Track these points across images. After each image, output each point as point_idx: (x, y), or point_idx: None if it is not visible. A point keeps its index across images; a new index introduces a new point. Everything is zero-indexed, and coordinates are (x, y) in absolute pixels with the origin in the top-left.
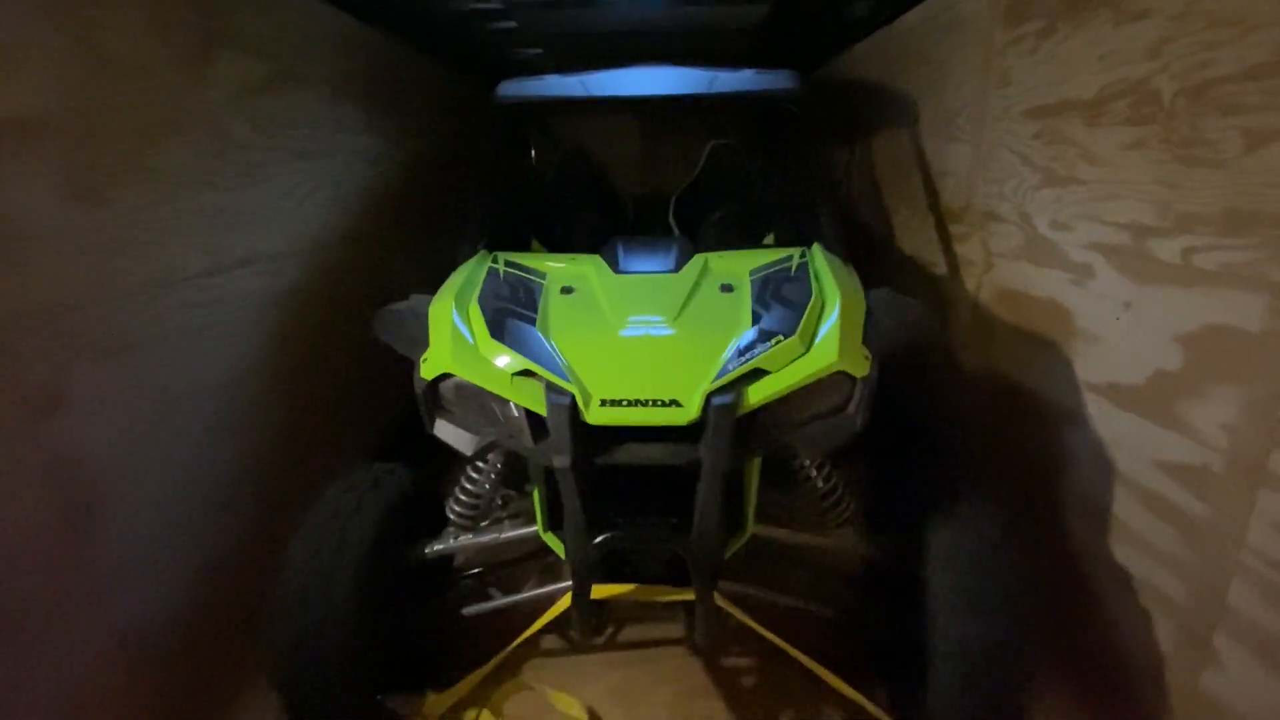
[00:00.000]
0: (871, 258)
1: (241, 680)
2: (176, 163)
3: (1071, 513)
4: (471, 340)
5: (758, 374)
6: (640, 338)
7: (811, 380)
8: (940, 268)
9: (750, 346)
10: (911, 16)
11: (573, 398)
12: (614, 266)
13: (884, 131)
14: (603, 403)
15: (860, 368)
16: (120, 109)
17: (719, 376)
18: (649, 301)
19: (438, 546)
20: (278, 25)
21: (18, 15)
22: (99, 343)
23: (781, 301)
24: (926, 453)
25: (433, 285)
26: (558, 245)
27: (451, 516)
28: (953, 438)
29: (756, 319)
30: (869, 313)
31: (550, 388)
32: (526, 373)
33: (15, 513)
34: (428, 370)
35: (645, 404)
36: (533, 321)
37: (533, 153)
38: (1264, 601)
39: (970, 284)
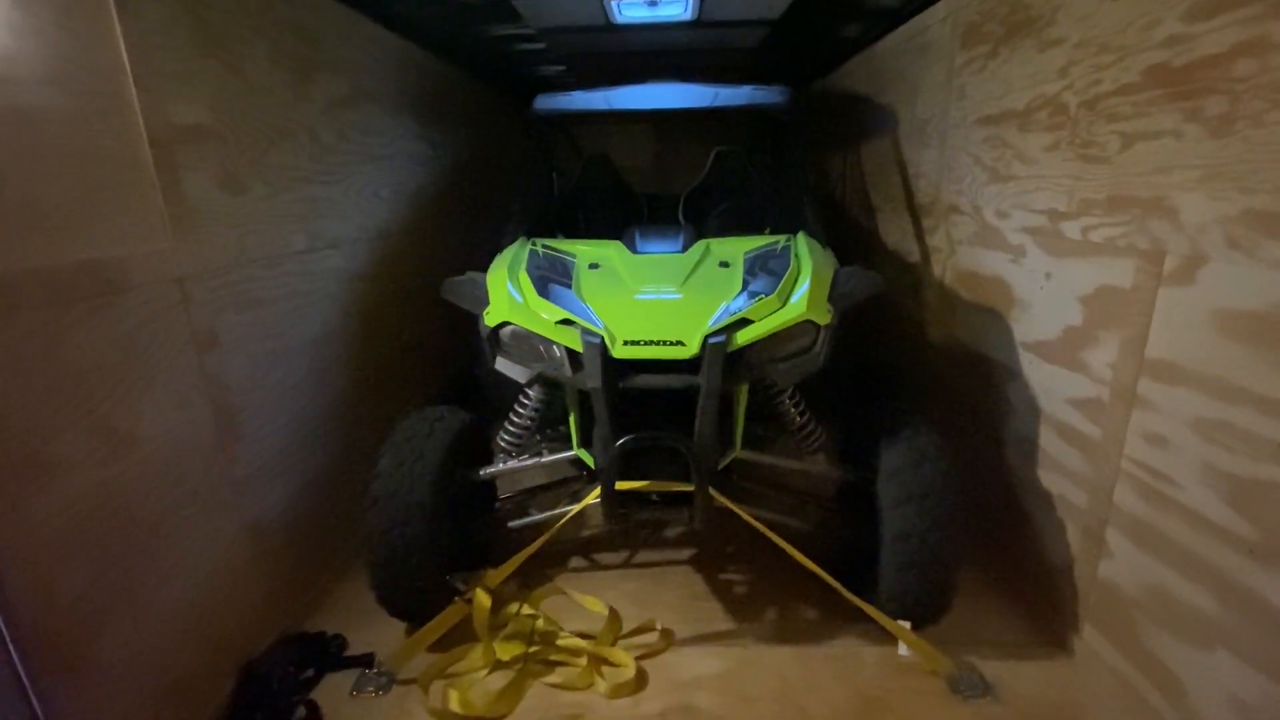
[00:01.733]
0: (859, 248)
1: (337, 565)
2: (286, 162)
3: (1009, 449)
4: (522, 299)
5: (745, 322)
6: (653, 299)
7: (785, 326)
8: (915, 256)
9: (739, 303)
10: (891, 40)
11: (602, 338)
12: (632, 248)
13: (869, 139)
14: (625, 342)
15: (824, 318)
16: (252, 119)
17: (714, 324)
18: (660, 274)
19: (490, 469)
20: (355, 50)
21: (189, 49)
22: (239, 298)
23: (766, 272)
24: (888, 399)
25: (476, 266)
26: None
27: (501, 445)
28: (908, 386)
29: (746, 285)
30: (835, 279)
31: (585, 331)
32: (567, 321)
33: (188, 416)
34: (490, 320)
35: (657, 343)
36: (569, 286)
37: (552, 159)
38: (1139, 498)
39: (937, 269)
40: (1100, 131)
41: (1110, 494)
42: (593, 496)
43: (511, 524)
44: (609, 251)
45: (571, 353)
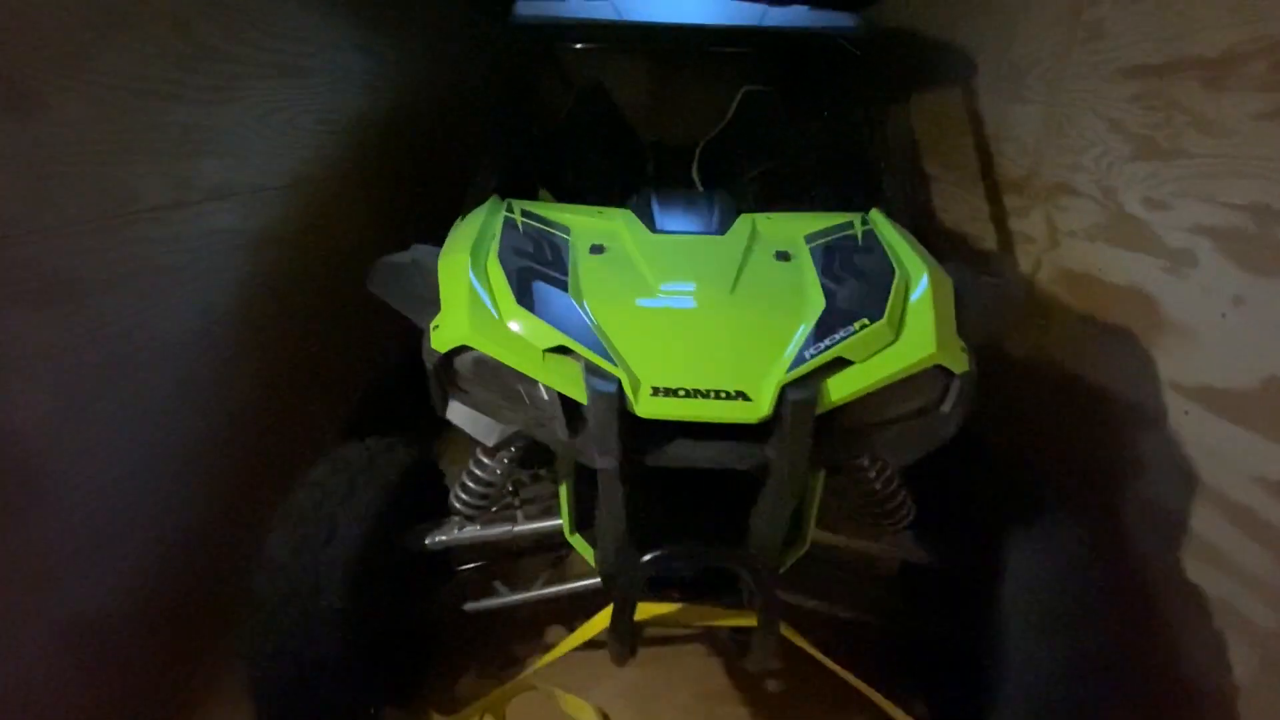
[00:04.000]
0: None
1: (210, 674)
2: (131, 68)
3: (1139, 522)
4: (493, 306)
5: (839, 363)
6: (693, 310)
7: (905, 375)
8: (988, 242)
9: (829, 329)
10: None
11: (619, 384)
12: (649, 223)
13: (927, 87)
14: (654, 391)
15: (959, 362)
16: None
17: (795, 365)
18: (696, 268)
19: (440, 537)
20: None
21: None
22: (37, 285)
23: (856, 276)
24: (984, 449)
25: (434, 233)
26: (568, 195)
27: (456, 505)
28: (1018, 445)
29: (829, 295)
30: (959, 293)
31: (591, 369)
32: (561, 349)
33: None
34: (440, 341)
35: (706, 395)
36: (564, 285)
37: (534, 89)
38: None
39: (1027, 263)
40: None
41: None
42: (600, 621)
43: (469, 607)
44: (616, 225)
45: (568, 401)
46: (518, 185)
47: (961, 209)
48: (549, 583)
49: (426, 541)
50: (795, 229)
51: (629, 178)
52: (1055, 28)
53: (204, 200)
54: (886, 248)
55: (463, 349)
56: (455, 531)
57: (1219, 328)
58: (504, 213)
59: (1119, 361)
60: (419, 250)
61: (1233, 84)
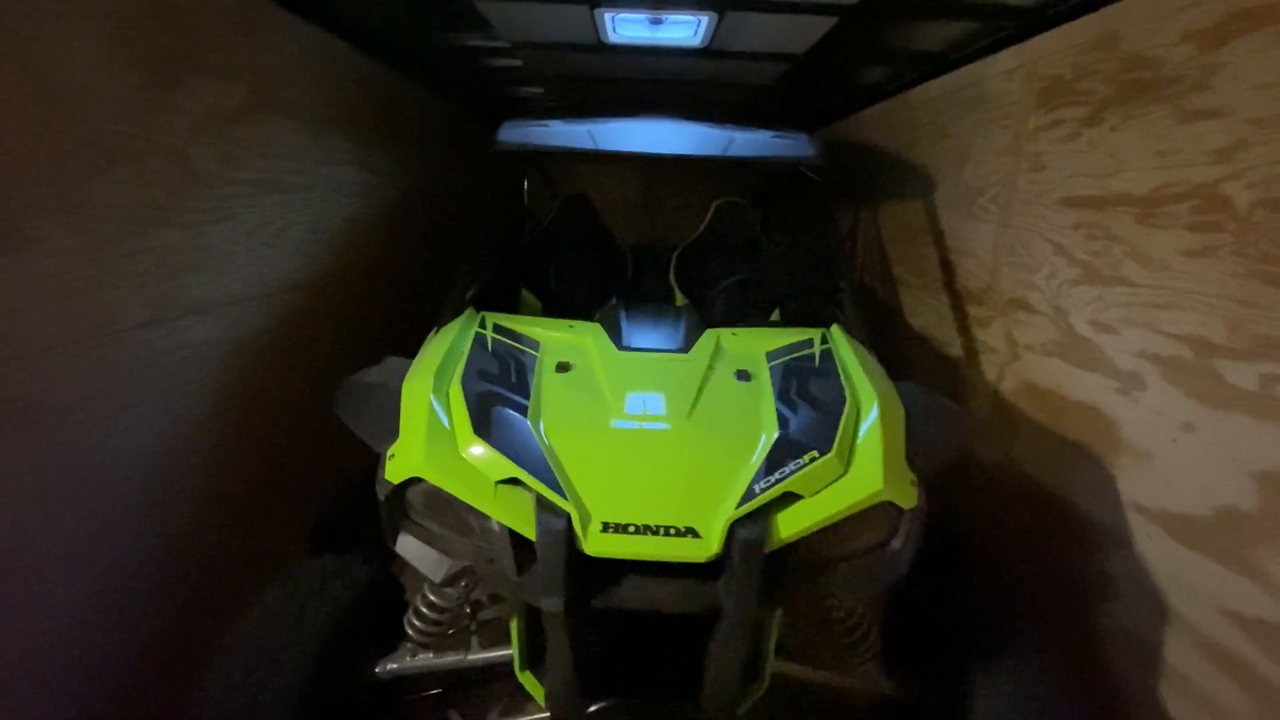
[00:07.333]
0: (875, 330)
1: None
2: (124, 198)
3: (1110, 645)
4: (451, 434)
5: (788, 498)
6: (648, 437)
7: (853, 511)
8: (954, 349)
9: (779, 461)
10: (930, 89)
11: (568, 520)
12: (617, 340)
13: (892, 199)
14: (604, 527)
15: (908, 496)
16: (57, 137)
17: (744, 500)
18: (657, 390)
19: (392, 665)
20: (258, 47)
21: None
22: None
23: (809, 401)
24: (953, 570)
25: (413, 337)
26: (551, 298)
27: (410, 631)
28: (985, 552)
29: (783, 423)
30: (909, 422)
31: (542, 504)
32: (514, 480)
33: None
34: (394, 471)
35: (655, 532)
36: (524, 409)
37: (520, 199)
38: None
39: (990, 372)
40: None
41: None
42: None
43: None
44: (585, 341)
45: (518, 538)
46: (504, 289)
47: (929, 314)
48: (505, 713)
49: (379, 670)
50: (758, 345)
51: (609, 282)
52: (1002, 157)
53: (183, 316)
54: (841, 371)
55: (415, 480)
56: (407, 659)
57: (1171, 452)
58: (475, 329)
59: (1082, 477)
60: (388, 367)
61: (1162, 221)
